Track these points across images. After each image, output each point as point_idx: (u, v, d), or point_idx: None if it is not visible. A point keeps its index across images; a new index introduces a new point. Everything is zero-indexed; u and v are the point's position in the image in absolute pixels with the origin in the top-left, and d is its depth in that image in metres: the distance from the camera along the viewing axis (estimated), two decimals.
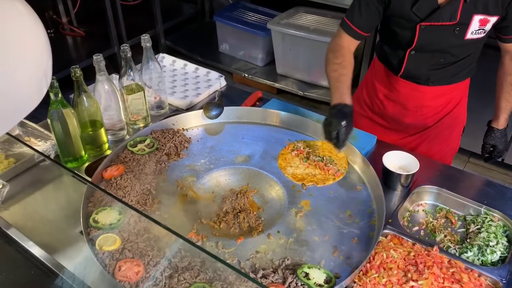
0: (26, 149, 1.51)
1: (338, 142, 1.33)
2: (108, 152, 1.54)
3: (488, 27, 1.46)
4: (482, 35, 1.49)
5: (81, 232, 1.17)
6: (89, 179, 1.36)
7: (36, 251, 1.17)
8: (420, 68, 1.61)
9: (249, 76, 3.91)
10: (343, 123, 1.32)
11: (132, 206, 1.17)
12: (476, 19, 1.43)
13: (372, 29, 1.60)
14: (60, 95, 1.35)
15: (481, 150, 1.78)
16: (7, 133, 1.31)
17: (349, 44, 1.57)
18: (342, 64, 1.52)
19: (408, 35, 1.53)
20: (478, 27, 1.45)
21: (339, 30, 1.59)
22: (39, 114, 1.21)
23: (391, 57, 1.66)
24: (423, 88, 1.65)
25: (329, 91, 1.49)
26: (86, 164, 1.49)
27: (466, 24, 1.45)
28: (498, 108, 1.67)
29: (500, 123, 1.68)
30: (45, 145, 1.54)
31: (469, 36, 1.48)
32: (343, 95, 1.41)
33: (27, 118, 1.60)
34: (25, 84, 0.55)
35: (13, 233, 1.21)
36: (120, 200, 1.17)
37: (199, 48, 4.27)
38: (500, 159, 2.87)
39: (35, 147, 1.56)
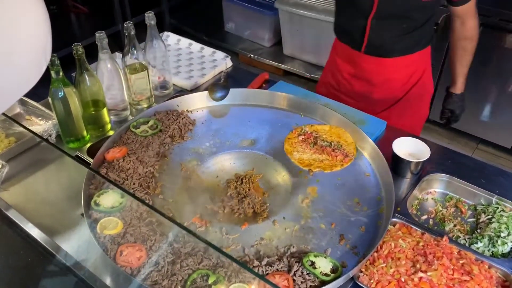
0: None
1: None
2: (111, 132, 1.51)
3: None
4: None
5: (82, 214, 1.14)
6: (91, 160, 1.33)
7: (36, 233, 1.15)
8: (383, 37, 1.61)
9: (255, 57, 3.84)
10: None
11: (131, 194, 1.14)
12: None
13: None
14: (61, 73, 1.32)
15: (440, 116, 1.83)
16: (4, 114, 1.28)
17: None
18: None
19: (368, 0, 1.53)
20: None
21: None
22: (40, 92, 1.17)
23: (352, 31, 1.66)
24: (387, 61, 1.65)
25: None
26: (89, 145, 1.46)
27: None
28: (454, 74, 1.70)
29: (458, 88, 1.71)
30: (47, 124, 1.50)
31: None
32: None
33: (28, 96, 1.57)
34: (22, 61, 0.51)
35: (12, 214, 1.19)
36: (119, 187, 1.14)
37: (205, 27, 4.20)
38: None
39: (36, 126, 1.53)
